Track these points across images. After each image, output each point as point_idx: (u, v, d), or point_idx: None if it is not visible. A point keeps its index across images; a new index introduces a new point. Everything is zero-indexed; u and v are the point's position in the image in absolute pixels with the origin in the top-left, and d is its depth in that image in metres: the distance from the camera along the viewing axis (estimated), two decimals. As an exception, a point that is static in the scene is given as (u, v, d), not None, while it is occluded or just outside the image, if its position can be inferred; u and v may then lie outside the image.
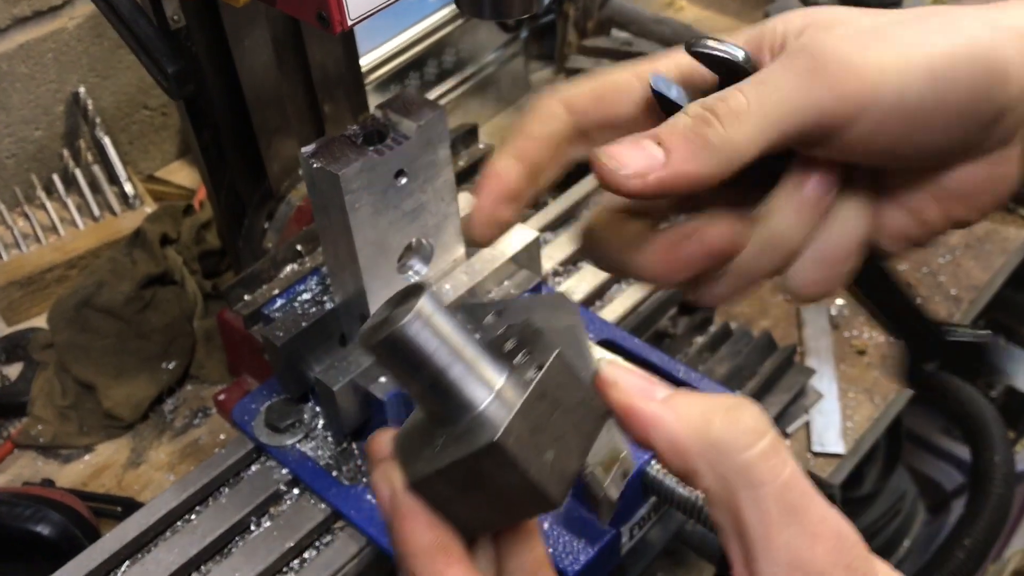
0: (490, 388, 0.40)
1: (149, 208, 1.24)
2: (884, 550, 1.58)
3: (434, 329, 0.40)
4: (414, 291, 0.40)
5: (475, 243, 0.55)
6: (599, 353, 0.53)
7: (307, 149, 0.69)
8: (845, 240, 0.49)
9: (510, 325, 0.46)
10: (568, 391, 0.41)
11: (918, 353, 0.55)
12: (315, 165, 0.69)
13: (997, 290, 1.27)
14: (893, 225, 0.50)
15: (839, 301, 1.18)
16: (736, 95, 0.45)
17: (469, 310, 0.43)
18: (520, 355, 0.41)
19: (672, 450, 0.41)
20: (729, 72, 0.47)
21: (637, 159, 0.45)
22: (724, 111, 0.45)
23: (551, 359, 0.40)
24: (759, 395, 1.02)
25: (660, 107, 0.49)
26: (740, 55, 0.47)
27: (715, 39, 0.48)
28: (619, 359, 0.43)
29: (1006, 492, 1.70)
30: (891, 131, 0.45)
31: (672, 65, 0.51)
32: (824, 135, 0.46)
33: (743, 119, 0.45)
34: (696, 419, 0.41)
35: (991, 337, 0.53)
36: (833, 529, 0.40)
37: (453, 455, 0.40)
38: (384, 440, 0.46)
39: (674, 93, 0.48)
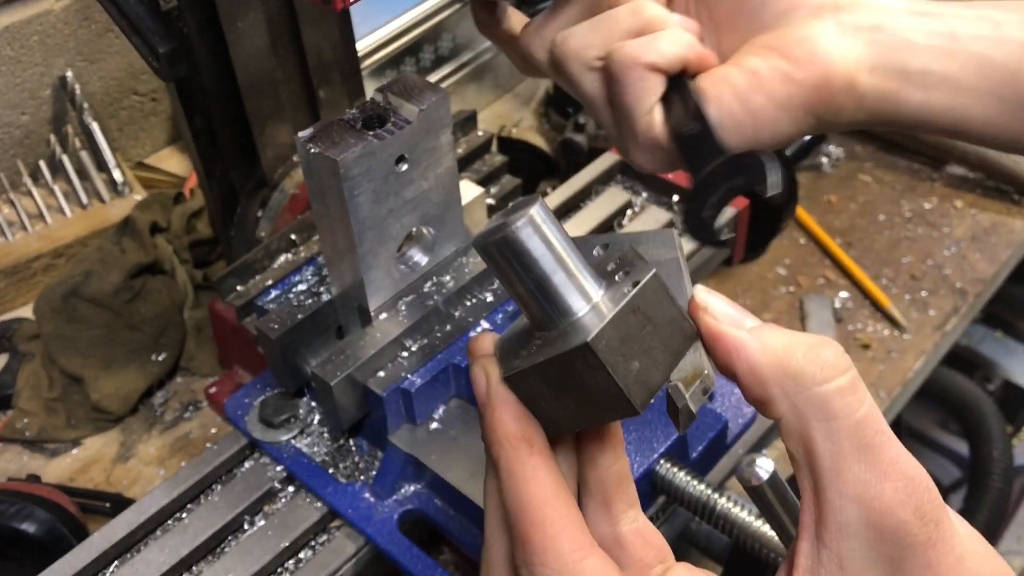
0: (588, 298, 0.44)
1: (138, 196, 1.21)
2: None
3: (543, 236, 0.43)
4: (528, 202, 0.44)
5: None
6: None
7: (304, 134, 0.67)
8: None
9: (614, 250, 0.50)
10: (660, 309, 0.44)
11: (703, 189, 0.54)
12: (312, 150, 0.66)
13: (1003, 281, 1.25)
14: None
15: (843, 294, 1.16)
16: None
17: (577, 242, 0.45)
18: (620, 274, 0.45)
19: (751, 376, 0.43)
20: None
21: None
22: None
23: (647, 277, 0.44)
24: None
25: None
26: None
27: None
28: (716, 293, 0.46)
29: (1004, 487, 1.69)
30: None
31: None
32: None
33: None
34: (779, 349, 0.42)
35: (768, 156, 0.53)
36: (904, 471, 0.40)
37: (547, 354, 0.43)
38: (487, 339, 0.48)
39: None
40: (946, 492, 1.83)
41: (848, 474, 0.40)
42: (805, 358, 0.42)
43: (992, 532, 1.63)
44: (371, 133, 0.67)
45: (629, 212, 1.03)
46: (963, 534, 0.42)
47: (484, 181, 1.00)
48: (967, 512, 1.61)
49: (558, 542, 0.43)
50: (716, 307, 0.45)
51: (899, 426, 1.71)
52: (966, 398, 1.69)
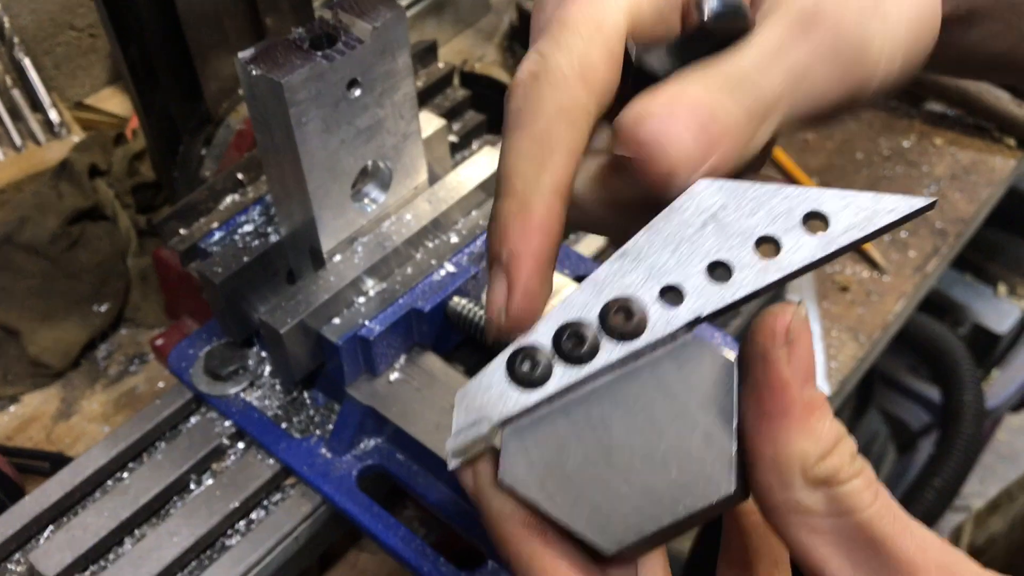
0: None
1: (77, 137, 1.14)
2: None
3: None
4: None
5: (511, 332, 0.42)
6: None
7: (245, 54, 0.60)
8: None
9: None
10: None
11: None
12: (254, 72, 0.59)
13: (982, 223, 1.21)
14: None
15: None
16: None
17: None
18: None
19: (779, 457, 0.37)
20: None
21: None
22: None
23: None
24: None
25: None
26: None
27: None
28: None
29: (975, 431, 1.68)
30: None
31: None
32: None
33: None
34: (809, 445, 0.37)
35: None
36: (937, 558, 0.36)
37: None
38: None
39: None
40: (916, 436, 1.82)
41: (868, 568, 0.35)
42: (829, 462, 0.36)
43: (963, 477, 1.62)
44: (319, 54, 0.61)
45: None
46: None
47: (446, 116, 0.94)
48: (939, 457, 1.60)
49: None
50: (801, 354, 0.36)
51: (871, 371, 1.69)
52: (939, 343, 1.67)
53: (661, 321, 0.38)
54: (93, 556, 0.69)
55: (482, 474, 0.40)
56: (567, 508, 0.38)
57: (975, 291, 1.88)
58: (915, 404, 1.85)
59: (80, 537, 0.68)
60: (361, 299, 0.72)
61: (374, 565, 0.82)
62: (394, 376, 0.73)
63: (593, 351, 0.39)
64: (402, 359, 0.73)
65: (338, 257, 0.71)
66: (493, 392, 0.39)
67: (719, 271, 0.38)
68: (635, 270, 0.39)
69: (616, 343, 0.39)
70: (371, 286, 0.72)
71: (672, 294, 0.39)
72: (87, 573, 0.69)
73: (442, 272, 0.74)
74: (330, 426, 0.74)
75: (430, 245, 0.75)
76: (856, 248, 0.39)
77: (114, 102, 1.27)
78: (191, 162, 0.91)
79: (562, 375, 0.39)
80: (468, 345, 0.77)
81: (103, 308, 1.01)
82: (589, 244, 0.90)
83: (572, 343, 0.39)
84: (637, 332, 0.39)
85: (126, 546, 0.71)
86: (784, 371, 0.36)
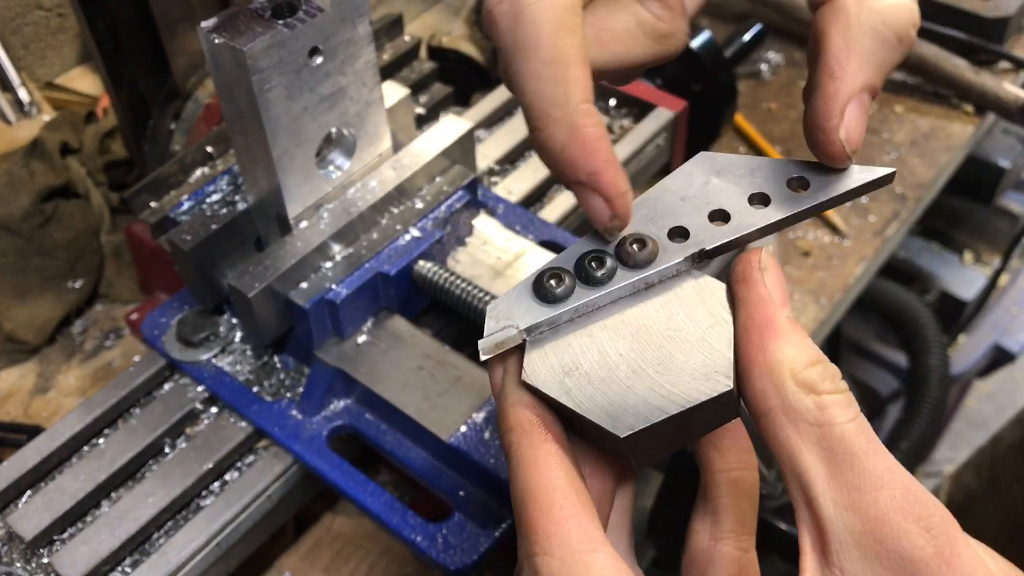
0: None
1: (47, 116, 1.14)
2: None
3: None
4: None
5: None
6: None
7: (207, 24, 0.61)
8: None
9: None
10: None
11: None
12: (216, 41, 0.61)
13: (941, 188, 1.24)
14: None
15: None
16: None
17: None
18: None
19: (763, 364, 0.41)
20: None
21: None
22: None
23: None
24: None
25: None
26: None
27: None
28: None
29: (941, 395, 1.71)
30: None
31: None
32: None
33: None
34: (792, 352, 0.42)
35: None
36: (902, 480, 0.39)
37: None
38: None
39: None
40: (884, 402, 1.85)
41: (839, 479, 0.38)
42: (814, 370, 0.40)
43: (929, 440, 1.65)
44: (281, 22, 0.62)
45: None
46: (987, 562, 0.38)
47: (413, 88, 0.96)
48: (906, 422, 1.63)
49: (565, 529, 0.39)
50: (773, 278, 0.42)
51: (839, 338, 1.72)
52: (904, 309, 1.70)
53: (669, 252, 0.45)
54: (71, 518, 0.71)
55: (508, 372, 0.44)
56: (583, 402, 0.42)
57: (942, 259, 1.90)
58: (883, 370, 1.88)
59: (57, 500, 0.70)
60: (328, 264, 0.73)
61: (349, 528, 0.84)
62: (362, 339, 0.75)
63: (610, 275, 0.45)
64: (369, 322, 0.75)
65: (304, 223, 0.73)
66: (521, 305, 0.45)
67: (718, 218, 0.45)
68: (647, 216, 0.46)
69: (629, 271, 0.45)
70: (338, 251, 0.74)
71: (679, 234, 0.45)
72: (65, 535, 0.71)
73: (407, 237, 0.75)
74: (300, 389, 0.75)
75: (395, 211, 0.77)
76: (830, 207, 0.46)
77: (84, 81, 1.27)
78: (161, 137, 0.92)
79: (581, 295, 0.45)
80: (434, 308, 0.79)
81: (77, 284, 1.01)
82: (554, 210, 0.92)
83: (592, 267, 0.45)
84: (648, 261, 0.45)
85: (103, 508, 0.72)
86: (762, 289, 0.42)
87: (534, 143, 0.43)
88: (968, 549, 0.37)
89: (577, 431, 0.44)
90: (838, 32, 0.43)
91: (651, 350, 0.43)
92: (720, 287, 0.44)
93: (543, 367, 0.44)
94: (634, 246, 0.45)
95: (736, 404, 0.43)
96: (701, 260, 0.45)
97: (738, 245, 0.45)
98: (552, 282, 0.45)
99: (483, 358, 0.45)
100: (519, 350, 0.45)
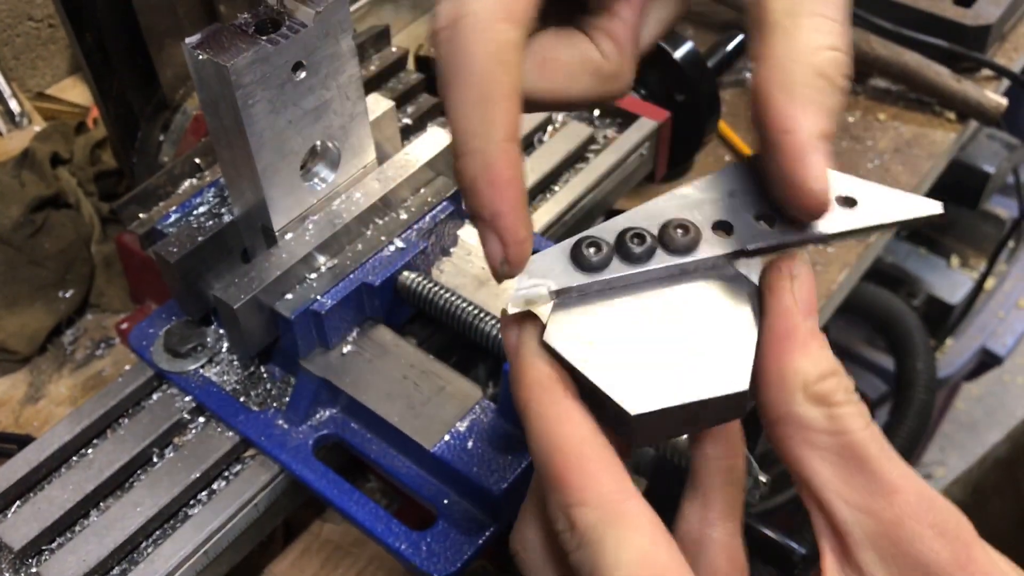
0: None
1: (38, 127, 1.15)
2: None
3: None
4: None
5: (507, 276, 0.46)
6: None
7: (192, 40, 0.62)
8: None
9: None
10: None
11: None
12: (200, 57, 0.62)
13: (925, 195, 1.25)
14: None
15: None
16: None
17: None
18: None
19: (780, 381, 0.42)
20: None
21: None
22: None
23: None
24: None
25: None
26: None
27: None
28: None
29: (928, 398, 1.73)
30: None
31: None
32: None
33: None
34: (808, 366, 0.43)
35: None
36: (917, 487, 0.40)
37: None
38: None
39: None
40: (872, 407, 1.87)
41: (852, 484, 0.39)
42: (828, 382, 0.41)
43: (916, 443, 1.66)
44: (264, 38, 0.63)
45: (550, 128, 1.00)
46: (1004, 568, 0.39)
47: (400, 100, 0.97)
48: (893, 424, 1.64)
49: (598, 480, 0.40)
50: (802, 287, 0.43)
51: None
52: (891, 313, 1.71)
53: (710, 244, 0.45)
54: (59, 528, 0.71)
55: (527, 332, 0.44)
56: (600, 372, 0.43)
57: (929, 263, 1.92)
58: (871, 375, 1.89)
59: (46, 510, 0.71)
60: (313, 275, 0.74)
61: (337, 534, 0.85)
62: (347, 349, 0.76)
63: (648, 254, 0.45)
64: (354, 332, 0.76)
65: (290, 235, 0.74)
66: (556, 268, 0.45)
67: (765, 219, 0.45)
68: (693, 205, 0.46)
69: (668, 255, 0.45)
70: (323, 262, 0.75)
71: (722, 228, 0.45)
72: (54, 544, 0.71)
73: (392, 248, 0.77)
74: (286, 399, 0.76)
75: (380, 222, 0.78)
76: (873, 233, 0.46)
77: (75, 92, 1.28)
78: (149, 148, 0.93)
79: (617, 268, 0.45)
80: (419, 318, 0.80)
81: (68, 294, 1.02)
82: (538, 219, 0.93)
83: (633, 243, 0.45)
84: (690, 248, 0.45)
85: (91, 518, 0.73)
86: (788, 298, 0.42)
87: (453, 170, 0.43)
88: (984, 554, 0.38)
89: (585, 402, 0.44)
90: (779, 90, 0.42)
91: (675, 336, 0.43)
92: (753, 287, 0.45)
93: (566, 332, 0.44)
94: (678, 231, 0.45)
95: (745, 405, 0.43)
96: (739, 257, 0.45)
97: (778, 249, 0.45)
98: (591, 250, 0.45)
99: (511, 311, 0.45)
100: (534, 317, 0.45)
